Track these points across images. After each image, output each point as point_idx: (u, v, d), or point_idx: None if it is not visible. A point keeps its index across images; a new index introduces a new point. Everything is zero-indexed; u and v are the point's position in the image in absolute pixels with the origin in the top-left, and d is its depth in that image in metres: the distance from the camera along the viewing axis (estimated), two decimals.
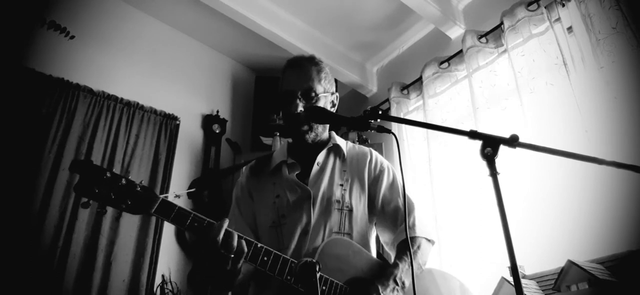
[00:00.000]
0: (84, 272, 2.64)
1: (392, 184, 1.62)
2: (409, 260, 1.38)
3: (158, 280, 2.90)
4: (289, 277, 1.28)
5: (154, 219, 2.94)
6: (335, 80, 1.72)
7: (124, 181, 1.21)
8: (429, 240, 1.56)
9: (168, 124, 3.31)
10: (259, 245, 1.30)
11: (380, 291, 1.33)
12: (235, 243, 1.22)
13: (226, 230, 1.23)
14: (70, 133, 2.82)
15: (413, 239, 1.50)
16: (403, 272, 1.40)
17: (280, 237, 1.46)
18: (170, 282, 2.93)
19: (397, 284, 1.37)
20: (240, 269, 1.27)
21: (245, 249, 1.24)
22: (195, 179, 1.54)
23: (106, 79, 3.14)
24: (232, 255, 1.22)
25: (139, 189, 1.23)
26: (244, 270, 1.39)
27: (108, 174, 1.20)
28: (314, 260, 1.14)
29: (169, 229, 3.06)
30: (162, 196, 1.25)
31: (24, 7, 2.89)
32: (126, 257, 2.81)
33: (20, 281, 2.39)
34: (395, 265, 1.42)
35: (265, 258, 1.28)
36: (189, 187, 1.47)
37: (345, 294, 1.35)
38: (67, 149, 2.78)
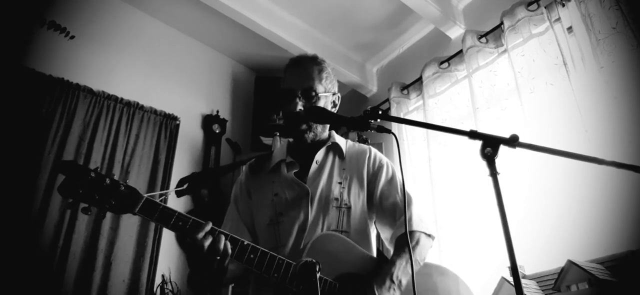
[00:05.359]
0: (84, 272, 2.64)
1: (391, 180, 1.61)
2: (407, 256, 1.37)
3: (158, 280, 2.90)
4: (275, 275, 1.28)
5: None
6: (337, 81, 1.72)
7: (108, 181, 1.21)
8: (428, 235, 1.53)
9: (168, 124, 3.31)
10: (246, 242, 1.30)
11: (375, 290, 1.31)
12: (221, 245, 1.23)
13: (211, 230, 1.24)
14: (70, 133, 2.82)
15: (411, 233, 1.47)
16: (400, 270, 1.37)
17: (278, 235, 1.45)
18: (170, 282, 2.93)
19: (393, 282, 1.34)
20: (227, 267, 1.28)
21: (230, 251, 1.26)
22: (183, 177, 1.53)
23: (106, 79, 3.14)
24: (218, 258, 1.22)
25: (123, 188, 1.23)
26: (235, 266, 1.40)
27: (92, 174, 1.20)
28: (314, 261, 1.13)
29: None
30: (146, 195, 1.24)
31: (24, 7, 2.89)
32: (126, 257, 2.81)
33: (20, 281, 2.39)
34: (392, 262, 1.39)
35: (252, 256, 1.29)
36: (178, 185, 1.47)
37: (334, 289, 1.33)
38: (67, 149, 2.78)
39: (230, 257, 1.26)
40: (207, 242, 1.22)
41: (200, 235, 1.22)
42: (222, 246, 1.23)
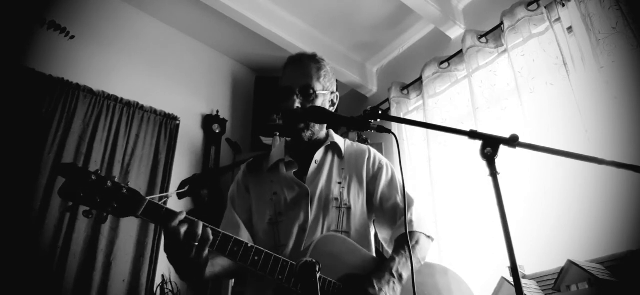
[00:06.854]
0: (84, 272, 2.64)
1: (391, 181, 1.61)
2: (407, 253, 1.37)
3: (158, 280, 2.90)
4: (280, 277, 1.27)
5: None
6: (336, 80, 1.72)
7: (109, 184, 1.18)
8: (428, 237, 1.54)
9: (168, 124, 3.31)
10: (250, 244, 1.28)
11: (375, 284, 1.31)
12: (199, 231, 1.20)
13: (187, 217, 1.21)
14: (70, 133, 2.82)
15: (412, 234, 1.48)
16: (400, 265, 1.37)
17: (277, 235, 1.45)
18: (170, 282, 2.93)
19: (393, 276, 1.34)
20: (206, 258, 1.24)
21: (211, 237, 1.22)
22: (185, 179, 1.53)
23: (106, 79, 3.14)
24: (196, 244, 1.20)
25: (125, 191, 1.20)
26: (221, 263, 1.38)
27: (93, 177, 1.17)
28: (314, 261, 1.13)
29: None
30: (149, 198, 1.22)
31: (24, 7, 2.89)
32: (126, 257, 2.81)
33: (20, 281, 2.39)
34: (392, 258, 1.40)
35: (256, 258, 1.27)
36: (179, 187, 1.47)
37: (339, 290, 1.33)
38: (67, 149, 2.78)
39: (211, 245, 1.23)
40: (182, 226, 1.19)
41: (199, 229, 1.20)
42: (200, 231, 1.20)
